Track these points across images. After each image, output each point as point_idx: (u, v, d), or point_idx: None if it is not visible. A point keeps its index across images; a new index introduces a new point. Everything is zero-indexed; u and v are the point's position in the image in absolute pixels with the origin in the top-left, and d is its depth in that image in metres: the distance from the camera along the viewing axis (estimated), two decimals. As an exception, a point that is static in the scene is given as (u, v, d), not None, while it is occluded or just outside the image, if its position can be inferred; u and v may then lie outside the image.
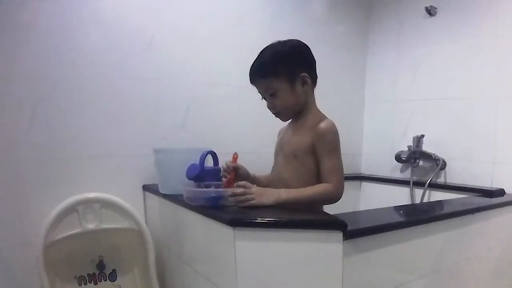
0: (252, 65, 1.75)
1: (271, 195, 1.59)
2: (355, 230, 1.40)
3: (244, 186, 1.58)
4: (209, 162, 1.83)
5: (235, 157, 1.77)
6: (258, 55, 1.75)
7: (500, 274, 2.16)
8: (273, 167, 1.89)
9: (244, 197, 1.55)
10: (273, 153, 1.92)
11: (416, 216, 1.81)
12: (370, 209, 1.80)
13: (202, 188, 1.70)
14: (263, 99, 1.79)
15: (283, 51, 1.72)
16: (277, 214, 1.51)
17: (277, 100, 1.71)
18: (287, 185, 1.68)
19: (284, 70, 1.69)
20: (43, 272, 1.94)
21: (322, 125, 1.67)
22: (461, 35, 2.59)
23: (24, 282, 2.05)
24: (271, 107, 1.76)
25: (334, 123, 1.70)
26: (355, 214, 1.66)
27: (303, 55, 1.75)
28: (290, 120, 1.87)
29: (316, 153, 1.67)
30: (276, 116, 1.80)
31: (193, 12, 2.46)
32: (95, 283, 2.20)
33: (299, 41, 1.77)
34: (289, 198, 1.59)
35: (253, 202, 1.55)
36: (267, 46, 1.75)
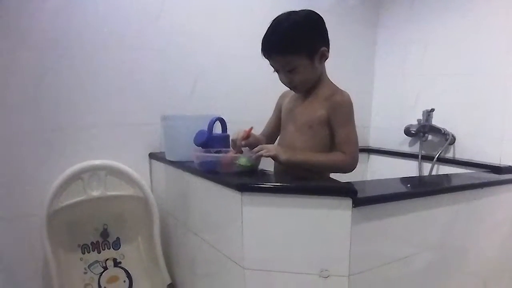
0: (268, 39, 1.66)
1: (285, 152, 1.62)
2: (365, 197, 1.39)
3: (261, 148, 1.61)
4: (217, 129, 1.81)
5: (247, 133, 1.71)
6: (273, 27, 1.66)
7: (507, 249, 2.14)
8: (281, 135, 1.88)
9: (262, 151, 1.59)
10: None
11: (425, 187, 1.80)
12: (379, 179, 1.78)
13: (212, 154, 1.69)
14: (275, 72, 1.74)
15: (302, 25, 1.65)
16: (286, 179, 1.50)
17: (295, 76, 1.68)
18: None
19: (304, 45, 1.64)
20: (46, 241, 1.94)
21: (338, 96, 1.68)
22: (473, 11, 2.55)
23: (28, 252, 2.06)
24: (288, 82, 1.72)
25: (348, 95, 1.69)
26: (364, 183, 1.64)
27: (320, 28, 1.71)
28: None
29: (331, 124, 1.67)
30: (291, 89, 1.77)
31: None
32: (99, 252, 2.20)
33: (313, 11, 1.71)
34: (302, 158, 1.61)
35: (270, 153, 1.58)
36: (281, 18, 1.67)
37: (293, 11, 1.69)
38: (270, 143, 1.93)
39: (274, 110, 1.99)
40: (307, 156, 1.62)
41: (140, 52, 2.25)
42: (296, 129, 1.77)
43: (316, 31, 1.69)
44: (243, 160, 1.60)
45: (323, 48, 1.67)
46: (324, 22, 1.71)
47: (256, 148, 1.62)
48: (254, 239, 1.42)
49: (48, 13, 1.99)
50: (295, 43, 1.63)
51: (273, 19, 1.69)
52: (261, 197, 1.39)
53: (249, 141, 1.71)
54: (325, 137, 1.70)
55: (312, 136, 1.71)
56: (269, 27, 1.68)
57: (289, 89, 1.82)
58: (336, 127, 1.67)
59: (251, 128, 1.72)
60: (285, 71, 1.68)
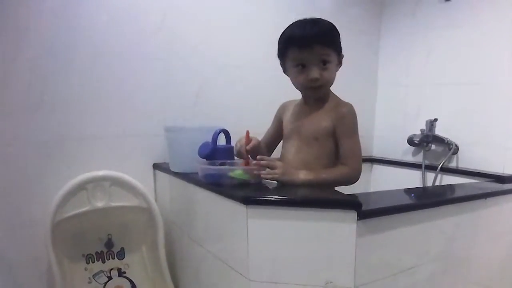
0: (309, 29, 1.65)
1: (292, 174, 1.61)
2: (370, 210, 1.39)
3: (268, 165, 1.61)
4: (221, 141, 1.82)
5: (247, 137, 1.72)
6: (312, 21, 1.68)
7: (511, 259, 2.14)
8: (286, 147, 1.87)
9: (270, 176, 1.59)
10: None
11: (430, 199, 1.80)
12: (382, 191, 1.78)
13: (217, 166, 1.70)
14: (299, 66, 1.70)
15: (334, 26, 1.72)
16: (291, 192, 1.50)
17: (325, 72, 1.68)
18: (308, 166, 1.70)
19: (338, 44, 1.72)
20: (51, 250, 1.93)
21: (343, 108, 1.71)
22: (476, 19, 2.55)
23: (33, 262, 2.06)
24: (317, 77, 1.67)
25: (353, 106, 1.72)
26: (367, 195, 1.65)
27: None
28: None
29: (336, 135, 1.69)
30: (312, 90, 1.73)
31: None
32: (103, 261, 2.20)
33: None
34: (306, 179, 1.61)
35: (276, 176, 1.58)
36: (315, 18, 1.70)
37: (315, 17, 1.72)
38: (269, 154, 1.96)
39: (273, 121, 2.00)
40: (311, 176, 1.62)
41: (144, 63, 2.26)
42: (302, 141, 1.77)
43: (338, 33, 1.73)
44: (238, 173, 1.61)
45: (342, 55, 1.75)
46: None
47: (263, 162, 1.61)
48: (260, 251, 1.42)
49: (50, 24, 2.00)
50: (335, 38, 1.70)
51: (297, 20, 1.72)
52: (266, 210, 1.40)
53: (253, 145, 1.71)
54: (331, 148, 1.72)
55: (318, 148, 1.73)
56: (301, 23, 1.69)
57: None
58: (341, 138, 1.69)
59: (248, 132, 1.73)
60: (319, 64, 1.67)
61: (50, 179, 2.04)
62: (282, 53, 1.75)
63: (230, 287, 1.61)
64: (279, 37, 1.75)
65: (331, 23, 1.70)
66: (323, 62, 1.67)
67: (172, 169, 2.04)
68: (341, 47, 1.73)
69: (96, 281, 2.15)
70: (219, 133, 1.77)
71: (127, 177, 2.12)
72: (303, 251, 1.40)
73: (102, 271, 2.18)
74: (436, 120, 2.68)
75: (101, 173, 2.09)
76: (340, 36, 1.72)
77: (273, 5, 2.67)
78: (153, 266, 2.22)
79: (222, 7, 2.49)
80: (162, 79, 2.32)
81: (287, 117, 1.90)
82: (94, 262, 2.18)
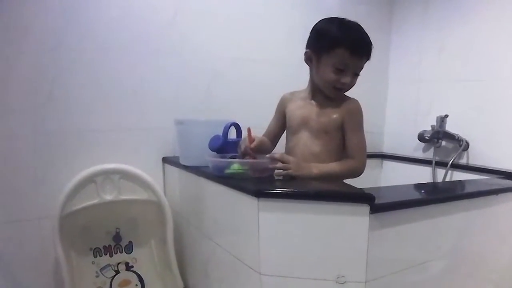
0: (364, 41, 1.73)
1: (304, 168, 1.63)
2: (382, 204, 1.38)
3: (282, 160, 1.61)
4: (232, 134, 1.81)
5: (250, 134, 1.70)
6: (361, 32, 1.74)
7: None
8: (293, 141, 1.87)
9: (285, 171, 1.59)
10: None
11: (441, 194, 1.79)
12: (394, 185, 1.78)
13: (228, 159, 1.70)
14: (338, 70, 1.72)
15: None
16: (303, 185, 1.50)
17: (354, 80, 1.76)
18: (318, 159, 1.75)
19: None
20: (58, 244, 1.93)
21: (353, 103, 1.80)
22: (488, 16, 2.53)
23: (40, 255, 2.07)
24: (348, 85, 1.76)
25: (359, 103, 1.80)
26: (379, 189, 1.65)
27: None
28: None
29: (344, 129, 1.76)
30: (336, 91, 1.78)
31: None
32: (111, 255, 2.20)
33: None
34: (320, 173, 1.65)
35: (290, 171, 1.59)
36: (356, 23, 1.76)
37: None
38: (273, 147, 1.98)
39: (275, 114, 2.01)
40: (323, 169, 1.66)
41: (155, 56, 2.25)
42: (312, 134, 1.80)
43: None
44: (235, 167, 1.60)
45: None
46: None
47: (277, 156, 1.62)
48: (271, 244, 1.41)
49: (61, 15, 2.00)
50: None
51: (336, 18, 1.77)
52: (277, 203, 1.39)
53: (257, 143, 1.71)
54: (339, 141, 1.79)
55: (328, 141, 1.78)
56: (355, 28, 1.75)
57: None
58: (348, 132, 1.77)
59: (249, 130, 1.71)
60: (354, 74, 1.75)
61: (59, 172, 2.04)
62: (324, 47, 1.73)
63: (240, 281, 1.61)
64: (319, 28, 1.79)
65: None
66: (356, 73, 1.75)
67: (182, 163, 2.03)
68: None
69: (104, 275, 2.15)
70: (229, 127, 1.76)
71: (136, 170, 2.11)
72: (315, 245, 1.39)
73: (109, 265, 2.18)
74: (446, 116, 2.66)
75: (110, 166, 2.08)
76: None
77: (288, 2, 2.67)
78: (161, 260, 2.22)
79: (233, 2, 2.49)
80: (173, 73, 2.32)
81: (292, 110, 1.90)
82: (101, 256, 2.18)
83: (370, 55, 1.73)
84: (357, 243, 1.35)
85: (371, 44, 1.73)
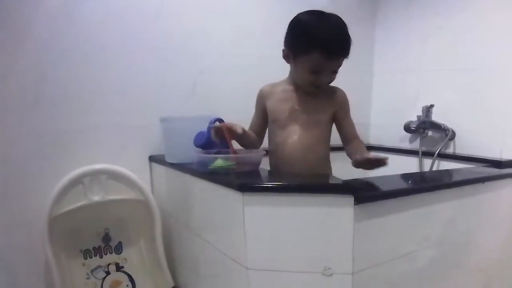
0: (338, 41, 1.68)
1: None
2: (367, 194, 1.38)
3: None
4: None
5: (227, 131, 1.69)
6: (337, 29, 1.71)
7: (510, 243, 2.14)
8: (283, 135, 1.86)
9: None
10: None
11: (427, 183, 1.79)
12: (380, 176, 1.78)
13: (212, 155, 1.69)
14: (315, 71, 1.72)
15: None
16: (287, 178, 1.50)
17: (333, 77, 1.77)
18: (310, 151, 1.80)
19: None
20: (48, 247, 1.93)
21: (341, 92, 1.88)
22: (473, 4, 2.54)
23: (30, 259, 2.05)
24: (327, 83, 1.79)
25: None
26: (365, 180, 1.64)
27: None
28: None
29: (338, 117, 1.87)
30: (315, 88, 1.79)
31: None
32: (101, 257, 2.19)
33: None
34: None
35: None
36: (336, 19, 1.73)
37: (324, 12, 1.75)
38: (260, 141, 1.99)
39: (256, 110, 2.00)
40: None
41: (138, 53, 2.24)
42: (302, 126, 1.82)
43: None
44: (218, 162, 1.61)
45: None
46: None
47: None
48: (257, 239, 1.42)
49: (46, 15, 1.98)
50: (350, 47, 1.73)
51: (315, 13, 1.74)
52: (262, 197, 1.39)
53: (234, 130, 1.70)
54: (329, 131, 1.90)
55: (320, 132, 1.83)
56: (330, 27, 1.70)
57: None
58: (344, 118, 1.87)
59: (224, 125, 1.70)
60: (332, 72, 1.75)
61: (46, 174, 2.02)
62: (299, 50, 1.73)
63: (228, 277, 1.61)
64: (294, 26, 1.77)
65: (346, 26, 1.74)
66: (334, 71, 1.75)
67: (167, 160, 2.02)
68: None
69: (94, 276, 2.14)
70: (214, 122, 1.76)
71: (123, 170, 2.11)
72: (301, 237, 1.40)
73: (100, 266, 2.17)
74: (432, 106, 2.67)
75: (97, 166, 2.07)
76: None
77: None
78: (151, 260, 2.22)
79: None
80: (157, 69, 2.31)
81: (275, 104, 1.90)
82: (91, 257, 2.17)
83: (348, 53, 1.72)
84: (342, 234, 1.35)
85: (349, 42, 1.70)
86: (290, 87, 1.87)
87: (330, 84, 1.82)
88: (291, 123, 1.83)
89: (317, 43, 1.65)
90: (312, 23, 1.70)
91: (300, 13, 1.76)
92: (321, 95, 1.82)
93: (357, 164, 1.62)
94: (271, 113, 1.90)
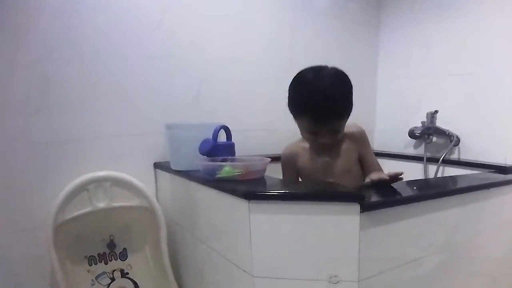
0: (323, 107, 1.62)
1: None
2: (372, 202, 1.39)
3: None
4: (222, 137, 1.82)
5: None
6: (325, 94, 1.62)
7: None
8: None
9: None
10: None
11: (432, 190, 1.79)
12: (385, 183, 1.79)
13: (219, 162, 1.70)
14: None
15: (347, 88, 1.71)
16: (292, 186, 1.50)
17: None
18: None
19: (350, 108, 1.71)
20: (53, 253, 1.92)
21: (357, 129, 1.90)
22: (476, 10, 2.55)
23: (35, 265, 2.05)
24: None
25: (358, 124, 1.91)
26: (370, 187, 1.64)
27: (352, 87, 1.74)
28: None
29: (361, 155, 1.90)
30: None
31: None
32: (106, 263, 2.19)
33: (340, 69, 1.74)
34: None
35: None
36: (326, 83, 1.66)
37: (324, 67, 1.72)
38: None
39: (287, 171, 1.99)
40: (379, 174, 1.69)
41: (143, 61, 2.25)
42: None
43: (351, 90, 1.73)
44: (226, 170, 1.61)
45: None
46: None
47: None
48: (263, 246, 1.42)
49: (49, 22, 1.99)
50: (347, 109, 1.70)
51: (310, 74, 1.70)
52: (268, 205, 1.39)
53: None
54: (360, 172, 1.91)
55: (353, 178, 1.85)
56: (316, 87, 1.65)
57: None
58: (366, 155, 1.91)
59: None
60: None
61: (51, 181, 2.03)
62: (293, 111, 1.74)
63: (234, 284, 1.61)
64: (290, 87, 1.75)
65: (343, 87, 1.70)
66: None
67: (173, 167, 2.02)
68: (352, 106, 1.72)
69: (99, 282, 2.14)
70: (219, 130, 1.77)
71: (128, 177, 2.11)
72: (307, 245, 1.40)
73: (105, 273, 2.17)
74: (436, 112, 2.68)
75: (102, 173, 2.07)
76: (352, 92, 1.73)
77: (276, 2, 2.66)
78: (156, 266, 2.22)
79: (219, 3, 2.48)
80: (161, 76, 2.31)
81: (305, 162, 1.92)
82: (96, 263, 2.17)
83: (342, 116, 1.69)
84: (348, 242, 1.36)
85: (340, 108, 1.67)
86: (309, 145, 1.90)
87: (347, 124, 1.79)
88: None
89: (304, 110, 1.67)
90: (304, 87, 1.70)
91: (300, 71, 1.74)
92: (343, 142, 1.84)
93: (372, 183, 1.62)
94: (304, 171, 1.92)
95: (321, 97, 1.62)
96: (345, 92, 1.68)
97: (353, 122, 1.80)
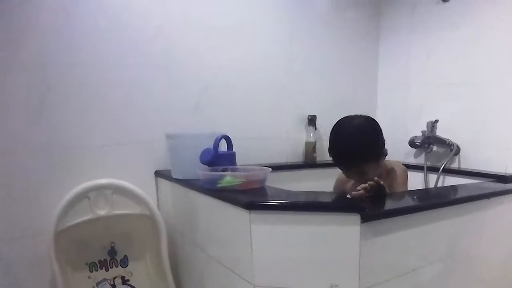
0: (344, 152, 1.78)
1: None
2: (373, 213, 1.39)
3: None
4: (222, 147, 1.83)
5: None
6: (347, 140, 1.79)
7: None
8: None
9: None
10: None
11: (432, 200, 1.79)
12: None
13: (219, 172, 1.70)
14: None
15: (372, 136, 1.83)
16: (294, 197, 1.50)
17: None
18: None
19: (375, 154, 1.81)
20: (54, 260, 1.93)
21: (397, 168, 2.01)
22: (475, 20, 2.56)
23: (36, 271, 2.06)
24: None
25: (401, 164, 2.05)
26: (371, 197, 1.64)
27: (381, 133, 1.87)
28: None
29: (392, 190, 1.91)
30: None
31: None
32: (106, 270, 2.20)
33: (370, 117, 1.90)
34: None
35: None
36: (350, 131, 1.81)
37: (355, 117, 1.85)
38: None
39: (335, 191, 2.13)
40: None
41: (143, 69, 2.26)
42: None
43: (379, 136, 1.86)
44: (227, 180, 1.62)
45: (385, 149, 1.86)
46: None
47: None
48: (264, 256, 1.42)
49: (48, 31, 2.01)
50: (367, 154, 1.77)
51: (338, 126, 1.84)
52: (269, 215, 1.40)
53: None
54: None
55: None
56: (339, 137, 1.82)
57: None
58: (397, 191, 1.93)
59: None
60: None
61: (52, 188, 2.04)
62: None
63: (234, 292, 1.61)
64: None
65: (366, 135, 1.81)
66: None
67: (174, 176, 2.03)
68: (379, 152, 1.83)
69: (100, 289, 2.15)
70: (220, 139, 1.77)
71: (129, 185, 2.12)
72: (307, 255, 1.40)
73: (105, 279, 2.18)
74: (437, 121, 2.68)
75: (103, 181, 2.08)
76: (380, 139, 1.85)
77: (271, 9, 2.67)
78: (156, 274, 2.22)
79: (219, 11, 2.50)
80: (162, 85, 2.32)
81: (347, 189, 2.00)
82: (97, 270, 2.17)
83: (365, 161, 1.77)
84: (349, 252, 1.36)
85: (358, 154, 1.76)
86: None
87: (387, 163, 1.97)
88: None
89: (333, 158, 1.81)
90: (331, 134, 1.84)
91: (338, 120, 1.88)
92: (381, 174, 1.87)
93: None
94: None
95: (339, 144, 1.80)
96: (364, 140, 1.79)
97: (398, 161, 1.91)
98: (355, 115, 1.86)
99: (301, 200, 1.47)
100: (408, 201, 1.70)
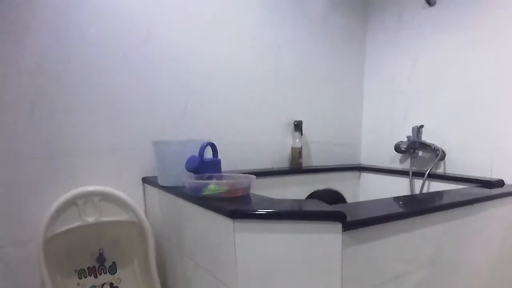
0: None
1: None
2: (354, 221, 1.40)
3: None
4: (208, 154, 1.84)
5: None
6: None
7: (500, 265, 2.16)
8: None
9: None
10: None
11: (415, 207, 1.80)
12: (369, 200, 1.80)
13: (204, 180, 1.71)
14: None
15: None
16: (277, 205, 1.52)
17: None
18: None
19: None
20: (44, 267, 1.94)
21: None
22: (461, 26, 2.58)
23: (25, 279, 2.07)
24: None
25: None
26: (354, 205, 1.66)
27: None
28: None
29: None
30: None
31: (189, 4, 2.45)
32: (95, 276, 2.20)
33: None
34: None
35: None
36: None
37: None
38: None
39: None
40: None
41: (130, 76, 2.27)
42: None
43: None
44: (211, 188, 1.64)
45: None
46: None
47: None
48: (247, 264, 1.44)
49: (36, 38, 2.02)
50: None
51: None
52: (252, 224, 1.41)
53: None
54: None
55: None
56: None
57: None
58: None
59: None
60: None
61: (40, 195, 2.05)
62: None
63: (220, 300, 1.63)
64: None
65: None
66: None
67: (160, 183, 2.04)
68: None
69: (89, 296, 2.16)
70: (205, 147, 1.79)
71: (117, 192, 2.13)
72: (291, 263, 1.42)
73: (94, 286, 2.18)
74: (422, 126, 2.70)
75: (91, 188, 2.10)
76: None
77: (262, 17, 2.70)
78: (145, 280, 2.23)
79: (206, 19, 2.51)
80: (149, 92, 2.34)
81: None
82: (86, 277, 2.18)
83: None
84: (331, 260, 1.38)
85: None
86: None
87: None
88: None
89: None
90: None
91: None
92: None
93: None
94: None
95: None
96: None
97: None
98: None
99: (283, 208, 1.48)
100: (391, 208, 1.71)
